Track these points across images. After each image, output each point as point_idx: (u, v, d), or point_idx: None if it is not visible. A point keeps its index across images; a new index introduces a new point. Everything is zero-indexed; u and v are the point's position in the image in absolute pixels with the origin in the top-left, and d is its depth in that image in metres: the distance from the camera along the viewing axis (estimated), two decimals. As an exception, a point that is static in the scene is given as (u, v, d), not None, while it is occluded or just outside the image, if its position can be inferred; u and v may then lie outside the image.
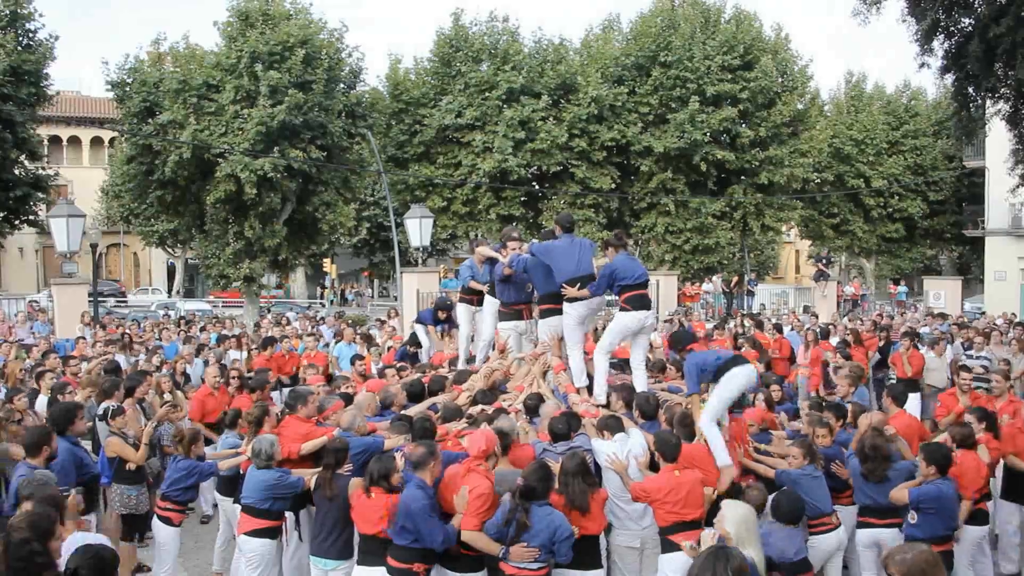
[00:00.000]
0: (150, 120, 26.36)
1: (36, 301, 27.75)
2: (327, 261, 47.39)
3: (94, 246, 24.85)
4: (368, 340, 16.33)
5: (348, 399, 8.58)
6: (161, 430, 9.56)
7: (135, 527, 8.63)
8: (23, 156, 27.51)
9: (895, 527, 7.08)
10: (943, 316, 21.59)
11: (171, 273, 56.15)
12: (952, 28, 16.09)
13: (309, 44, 26.35)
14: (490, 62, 32.42)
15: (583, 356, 8.80)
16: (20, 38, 26.40)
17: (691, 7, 34.08)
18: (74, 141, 54.17)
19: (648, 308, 8.54)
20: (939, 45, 16.32)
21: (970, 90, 17.08)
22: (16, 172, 27.38)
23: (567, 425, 7.25)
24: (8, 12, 26.13)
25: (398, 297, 24.67)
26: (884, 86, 43.32)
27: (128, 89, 26.99)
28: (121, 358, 13.84)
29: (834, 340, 15.69)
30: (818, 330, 15.68)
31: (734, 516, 5.31)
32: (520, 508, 5.91)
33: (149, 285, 54.15)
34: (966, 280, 36.90)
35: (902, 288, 41.20)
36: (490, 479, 6.31)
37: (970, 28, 15.67)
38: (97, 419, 9.44)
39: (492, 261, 9.99)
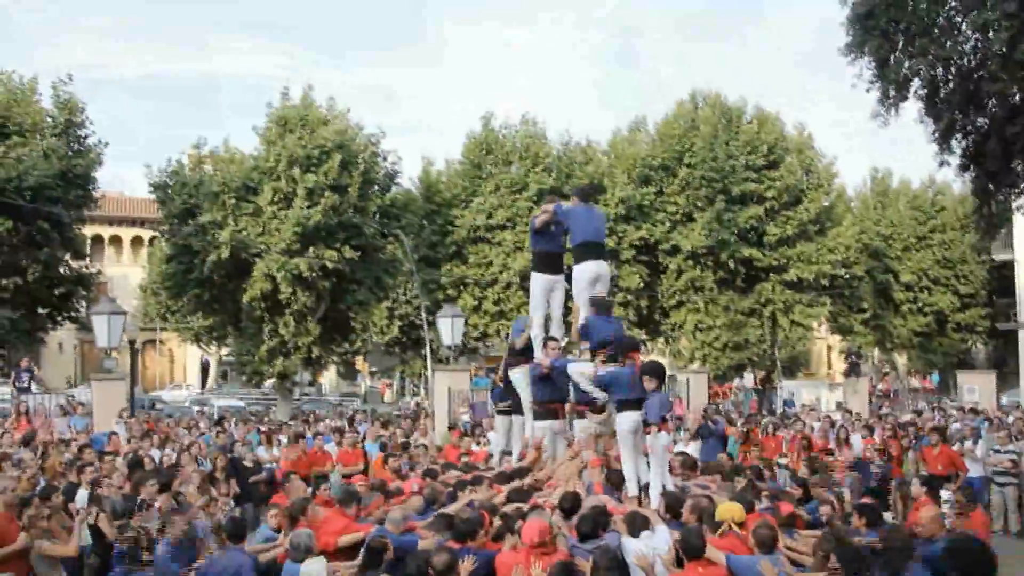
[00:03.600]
0: (190, 220, 27.12)
1: (72, 395, 28.21)
2: (359, 358, 47.75)
3: (132, 342, 25.34)
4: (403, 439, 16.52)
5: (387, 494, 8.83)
6: (197, 524, 9.70)
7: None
8: (68, 255, 28.40)
9: None
10: (975, 411, 21.40)
11: (205, 369, 56.72)
12: (969, 127, 16.49)
13: (345, 149, 27.20)
14: (520, 164, 33.23)
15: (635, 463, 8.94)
16: (72, 144, 27.57)
17: (711, 109, 34.80)
18: (115, 240, 55.65)
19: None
20: (957, 144, 16.68)
21: (990, 186, 17.38)
22: (61, 270, 28.22)
23: (593, 523, 7.35)
24: (63, 120, 27.39)
25: (429, 395, 24.83)
26: (910, 180, 43.65)
27: (169, 191, 27.88)
28: (155, 452, 14.08)
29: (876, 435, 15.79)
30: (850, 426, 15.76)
31: None
32: None
33: (184, 381, 54.69)
34: (1002, 374, 36.45)
35: (935, 376, 40.86)
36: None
37: (986, 127, 16.06)
38: None
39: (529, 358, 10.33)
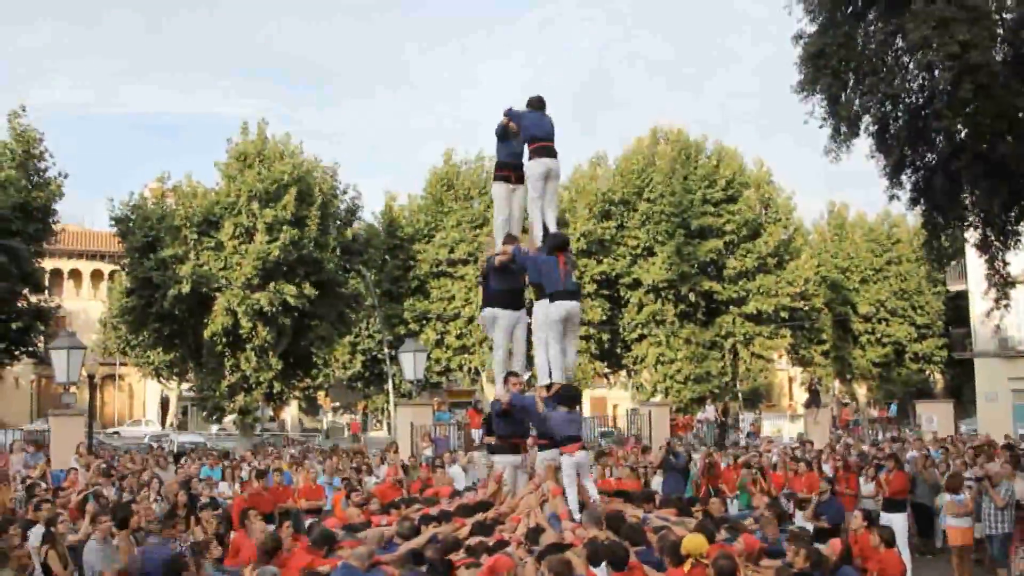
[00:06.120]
0: (151, 255, 26.91)
1: (29, 431, 27.74)
2: (321, 394, 47.43)
3: (91, 377, 25.01)
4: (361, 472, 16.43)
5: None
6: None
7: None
8: (26, 288, 28.00)
9: None
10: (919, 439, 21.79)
11: (164, 405, 56.00)
12: (918, 163, 16.91)
13: (302, 183, 27.20)
14: (481, 199, 33.44)
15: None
16: (31, 176, 27.27)
17: (671, 144, 35.21)
18: (75, 273, 55.11)
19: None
20: (907, 179, 17.09)
21: (939, 220, 17.79)
22: (19, 304, 27.81)
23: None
24: (20, 152, 27.09)
25: (391, 430, 24.74)
26: (866, 213, 44.52)
27: (131, 224, 27.68)
28: (112, 490, 13.88)
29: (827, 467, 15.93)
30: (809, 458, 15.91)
31: None
32: None
33: (143, 417, 53.96)
34: (960, 402, 36.98)
35: (892, 406, 41.43)
36: None
37: (933, 162, 16.49)
38: None
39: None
